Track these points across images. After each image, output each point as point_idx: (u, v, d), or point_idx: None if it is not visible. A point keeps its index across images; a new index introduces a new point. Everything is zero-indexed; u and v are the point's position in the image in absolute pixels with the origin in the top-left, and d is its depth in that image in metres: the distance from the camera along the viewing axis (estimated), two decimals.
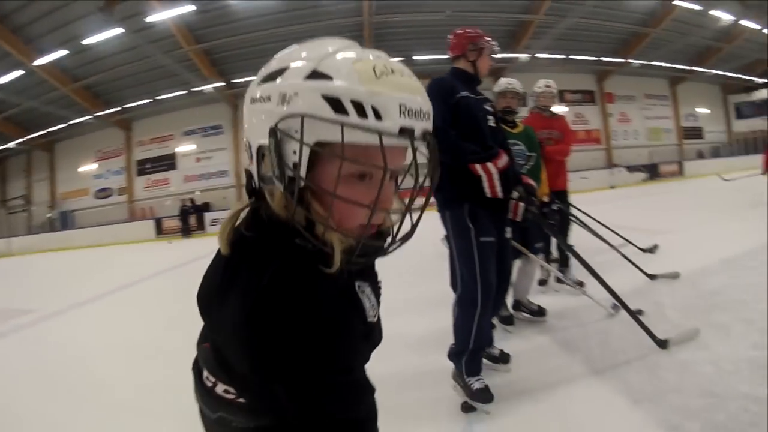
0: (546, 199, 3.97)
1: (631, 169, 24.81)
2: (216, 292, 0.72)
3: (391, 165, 0.63)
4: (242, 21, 16.98)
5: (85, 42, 15.71)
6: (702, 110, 31.90)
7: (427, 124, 0.67)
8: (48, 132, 22.92)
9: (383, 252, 0.72)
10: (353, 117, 0.59)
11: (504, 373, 2.72)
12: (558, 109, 5.03)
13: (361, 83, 0.61)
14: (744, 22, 21.25)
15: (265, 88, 0.68)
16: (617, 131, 27.83)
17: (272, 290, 0.63)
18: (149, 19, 15.15)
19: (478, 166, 2.29)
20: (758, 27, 21.64)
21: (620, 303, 3.03)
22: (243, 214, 0.77)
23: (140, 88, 20.53)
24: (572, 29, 20.11)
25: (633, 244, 5.51)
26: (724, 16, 20.37)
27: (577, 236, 4.92)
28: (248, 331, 0.63)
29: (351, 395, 0.73)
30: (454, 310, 2.48)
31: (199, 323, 0.80)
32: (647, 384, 2.40)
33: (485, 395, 2.30)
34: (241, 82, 20.53)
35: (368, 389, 0.77)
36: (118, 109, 21.63)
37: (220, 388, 0.76)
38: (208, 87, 20.24)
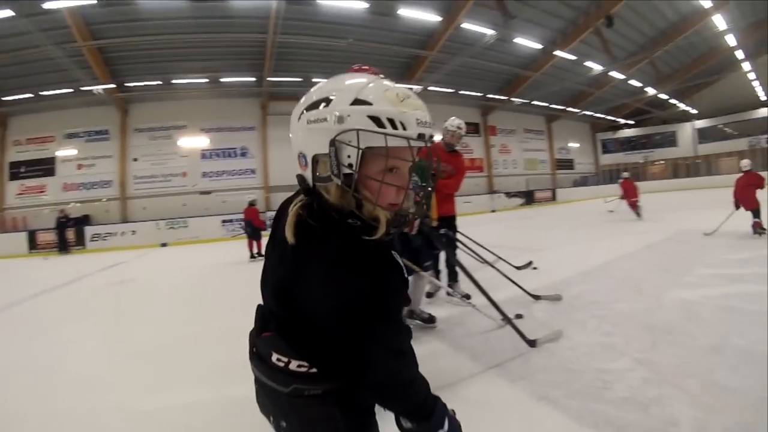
0: (435, 224, 4.38)
1: (509, 194, 27.64)
2: (292, 274, 0.97)
3: (400, 164, 0.94)
4: (145, 22, 15.75)
5: None
6: (573, 145, 36.69)
7: (433, 131, 0.97)
8: None
9: (408, 222, 1.03)
10: (389, 129, 0.88)
11: None
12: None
13: (392, 106, 0.90)
14: (612, 73, 24.69)
15: (320, 112, 0.92)
16: (498, 161, 30.78)
17: (339, 259, 0.90)
18: (46, 5, 13.46)
19: None
20: (623, 77, 25.42)
21: (498, 310, 3.53)
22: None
23: (22, 80, 17.97)
24: (463, 67, 21.72)
25: (509, 264, 6.06)
26: (596, 67, 23.38)
27: (465, 257, 5.46)
28: (328, 291, 0.91)
29: (403, 330, 1.01)
30: None
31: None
32: (521, 368, 2.92)
33: None
34: (134, 86, 18.96)
35: (407, 327, 1.05)
36: None
37: (293, 365, 1.00)
38: (98, 88, 18.16)
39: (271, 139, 22.47)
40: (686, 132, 35.99)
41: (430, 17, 17.14)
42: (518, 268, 6.00)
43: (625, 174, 14.32)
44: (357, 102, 0.90)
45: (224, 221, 19.09)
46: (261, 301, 1.14)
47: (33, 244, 17.93)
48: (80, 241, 18.07)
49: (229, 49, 18.07)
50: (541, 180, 32.42)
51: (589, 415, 2.27)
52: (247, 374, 1.10)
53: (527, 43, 19.90)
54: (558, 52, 21.33)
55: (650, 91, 28.46)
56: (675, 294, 4.35)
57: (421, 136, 0.92)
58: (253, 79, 19.65)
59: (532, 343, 3.23)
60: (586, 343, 3.22)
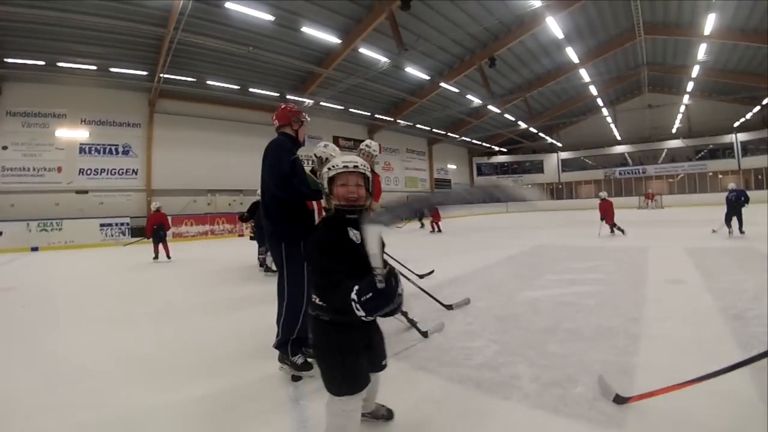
0: None
1: None
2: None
3: (346, 180, 1.91)
4: None
5: None
6: (451, 166, 40.77)
7: (356, 165, 1.91)
8: None
9: (360, 212, 1.90)
10: (334, 167, 1.91)
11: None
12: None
13: (333, 161, 1.96)
14: (490, 107, 27.51)
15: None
16: (381, 177, 32.08)
17: (318, 230, 1.97)
18: None
19: (314, 202, 3.25)
20: (498, 111, 28.39)
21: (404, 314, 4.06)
22: None
23: None
24: (355, 87, 22.87)
25: (414, 272, 6.43)
26: (476, 100, 25.93)
27: None
28: (309, 248, 1.92)
29: (336, 269, 1.74)
30: (282, 311, 3.24)
31: None
32: (404, 350, 3.55)
33: (307, 366, 3.12)
34: (13, 62, 16.35)
35: (341, 280, 1.72)
36: None
37: (317, 300, 1.87)
38: None
39: (157, 139, 21.07)
40: (552, 161, 41.69)
41: (331, 38, 17.85)
42: (420, 276, 6.56)
43: None
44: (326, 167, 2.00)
45: (103, 225, 17.68)
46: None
47: None
48: None
49: (123, 38, 16.68)
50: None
51: (456, 376, 2.94)
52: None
53: (417, 72, 21.35)
54: (443, 84, 23.19)
55: (522, 124, 31.97)
56: (524, 294, 5.34)
57: (345, 167, 1.90)
58: (145, 73, 18.60)
59: (425, 335, 3.85)
60: (454, 330, 3.98)
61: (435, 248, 11.81)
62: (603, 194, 13.00)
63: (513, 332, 3.83)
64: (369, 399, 2.26)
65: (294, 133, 3.52)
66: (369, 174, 1.96)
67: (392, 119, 28.69)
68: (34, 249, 15.95)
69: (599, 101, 30.43)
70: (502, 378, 2.88)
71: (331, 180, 1.92)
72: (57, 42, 16.34)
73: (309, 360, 3.16)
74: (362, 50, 18.96)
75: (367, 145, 5.10)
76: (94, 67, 17.67)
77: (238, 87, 20.81)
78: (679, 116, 32.98)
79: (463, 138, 35.81)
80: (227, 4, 14.73)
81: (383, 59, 19.49)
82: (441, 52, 21.68)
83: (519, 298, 5.15)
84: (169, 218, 14.36)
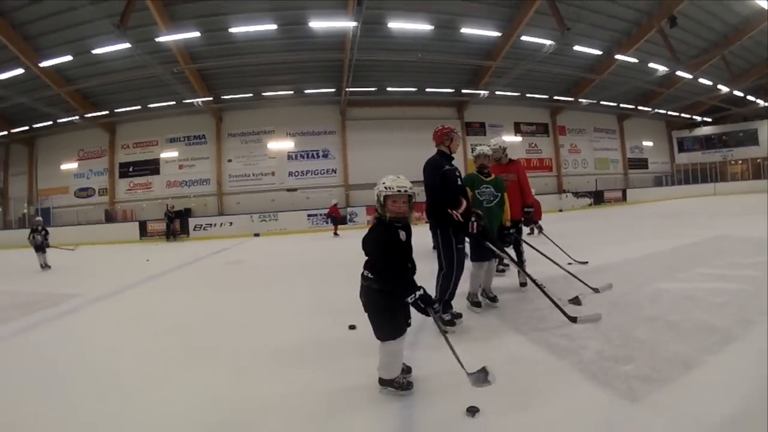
0: (508, 224, 5.39)
1: (578, 194, 27.60)
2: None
3: (397, 198, 2.84)
4: (237, 44, 18.57)
5: (94, 52, 16.51)
6: (647, 143, 35.40)
7: (405, 190, 2.84)
8: (31, 128, 23.26)
9: (405, 220, 2.92)
10: (388, 189, 2.83)
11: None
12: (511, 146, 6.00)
13: (389, 182, 2.87)
14: (679, 73, 24.02)
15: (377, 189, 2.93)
16: (567, 160, 30.92)
17: (377, 231, 2.87)
18: (159, 39, 16.43)
19: (451, 211, 4.20)
20: (690, 76, 24.62)
21: (546, 295, 4.49)
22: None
23: (129, 94, 21.49)
24: (527, 72, 22.60)
25: (571, 258, 7.09)
26: (660, 68, 23.14)
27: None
28: (372, 244, 2.86)
29: (393, 260, 2.79)
30: (439, 278, 4.39)
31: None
32: (515, 316, 4.32)
33: (451, 323, 4.24)
34: (228, 98, 22.11)
35: (397, 267, 2.80)
36: (107, 112, 22.47)
37: (367, 274, 2.85)
38: (197, 100, 21.40)
39: (349, 141, 24.76)
40: None
41: (490, 33, 18.61)
42: (570, 262, 6.82)
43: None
44: (382, 184, 2.88)
45: (309, 215, 21.69)
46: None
47: (144, 232, 21.24)
48: (184, 230, 21.14)
49: (311, 65, 20.51)
50: (613, 180, 32.08)
51: (537, 338, 3.82)
52: None
53: (586, 48, 20.46)
54: (619, 56, 21.59)
55: (724, 88, 27.33)
56: (655, 285, 5.33)
57: (398, 191, 2.79)
58: (333, 89, 21.92)
59: (573, 320, 4.11)
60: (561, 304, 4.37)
61: (607, 236, 11.53)
62: None
63: (615, 316, 4.18)
64: None
65: (447, 149, 4.53)
66: (414, 194, 2.87)
67: (572, 99, 27.41)
68: (256, 235, 20.72)
69: None
70: (572, 346, 3.53)
71: (386, 197, 2.80)
72: (259, 77, 21.19)
73: (454, 320, 4.32)
74: (524, 38, 18.92)
75: (496, 143, 5.96)
76: (291, 92, 22.06)
77: (415, 89, 22.69)
78: None
79: (657, 110, 31.73)
80: (389, 24, 17.05)
81: (548, 42, 18.86)
82: (612, 20, 20.17)
83: (647, 288, 5.18)
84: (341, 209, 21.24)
